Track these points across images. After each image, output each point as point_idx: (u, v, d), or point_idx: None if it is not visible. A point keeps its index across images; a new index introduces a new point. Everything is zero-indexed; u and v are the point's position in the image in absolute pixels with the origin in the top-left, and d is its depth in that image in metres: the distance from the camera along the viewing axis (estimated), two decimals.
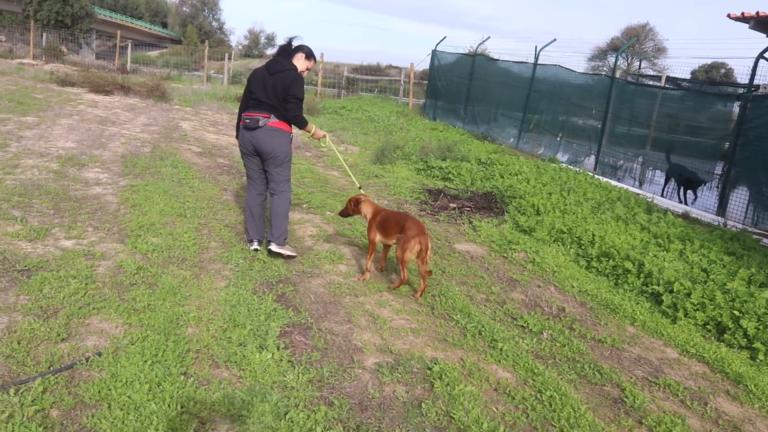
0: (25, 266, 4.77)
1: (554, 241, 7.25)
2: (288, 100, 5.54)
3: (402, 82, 23.79)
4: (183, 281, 4.87)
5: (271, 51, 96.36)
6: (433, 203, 8.55)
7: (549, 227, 7.45)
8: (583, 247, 6.98)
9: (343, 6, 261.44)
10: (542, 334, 4.82)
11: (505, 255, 6.74)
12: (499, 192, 9.11)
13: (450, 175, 10.41)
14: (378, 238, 5.54)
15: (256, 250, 5.86)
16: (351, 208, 5.80)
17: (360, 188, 6.13)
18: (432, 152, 11.72)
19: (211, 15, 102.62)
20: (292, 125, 5.78)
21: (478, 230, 7.51)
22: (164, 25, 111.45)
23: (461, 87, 19.11)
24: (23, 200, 6.49)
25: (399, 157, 11.72)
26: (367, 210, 5.70)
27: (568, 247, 7.06)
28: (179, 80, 25.44)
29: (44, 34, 35.03)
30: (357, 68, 39.87)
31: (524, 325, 4.94)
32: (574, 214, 7.96)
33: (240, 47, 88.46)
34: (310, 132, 5.99)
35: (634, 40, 17.69)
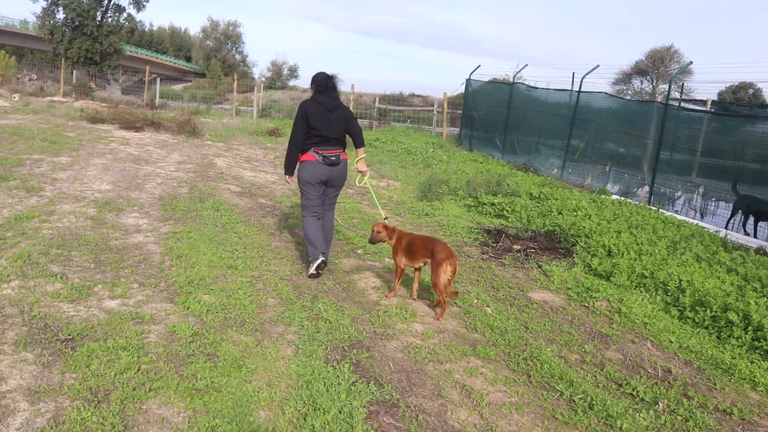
0: (69, 335, 4.24)
1: (636, 286, 6.60)
2: (352, 127, 6.30)
3: (435, 111, 23.29)
4: (246, 350, 4.30)
5: (294, 82, 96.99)
6: (494, 245, 7.94)
7: (627, 271, 6.80)
8: (670, 294, 6.32)
9: (362, 36, 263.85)
10: (657, 405, 4.17)
11: (585, 304, 6.11)
12: (562, 230, 8.49)
13: (504, 212, 9.80)
14: (404, 262, 5.71)
15: (323, 262, 6.14)
16: (376, 235, 5.91)
17: (385, 218, 6.26)
18: (480, 187, 11.14)
19: (234, 48, 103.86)
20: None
21: (550, 275, 6.88)
22: (188, 59, 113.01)
23: (498, 116, 18.58)
24: (62, 253, 5.99)
25: (445, 193, 11.14)
26: (391, 237, 5.85)
27: (654, 293, 6.40)
28: (208, 114, 25.19)
29: (74, 72, 35.14)
30: (380, 98, 39.60)
31: (633, 393, 4.30)
32: (650, 254, 7.31)
33: (263, 79, 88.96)
34: (360, 156, 6.50)
35: (689, 64, 16.98)
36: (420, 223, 9.06)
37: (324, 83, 6.19)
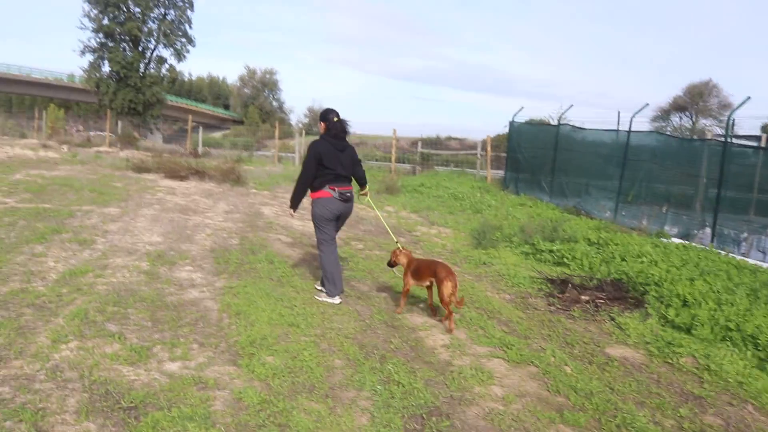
0: (131, 402, 3.99)
1: (721, 340, 6.15)
2: (358, 166, 7.05)
3: (479, 154, 23.03)
4: (319, 419, 3.99)
5: None
6: (560, 295, 7.57)
7: (710, 323, 6.36)
8: (761, 349, 5.86)
9: (396, 80, 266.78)
10: None
11: (669, 360, 5.69)
12: (629, 279, 8.08)
13: (564, 260, 9.42)
14: (412, 282, 6.54)
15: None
16: (395, 259, 6.79)
17: (397, 242, 7.20)
18: (535, 233, 10.77)
19: (271, 95, 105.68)
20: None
21: (624, 328, 6.47)
22: (226, 107, 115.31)
23: (545, 158, 18.24)
24: (118, 310, 5.80)
25: (500, 240, 10.79)
26: (403, 260, 6.73)
27: (742, 348, 5.95)
28: (250, 162, 25.30)
29: (119, 122, 35.83)
30: (415, 141, 39.57)
31: None
32: (730, 304, 6.85)
33: (300, 125, 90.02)
34: (364, 190, 7.36)
35: (747, 100, 16.47)
36: (479, 273, 8.73)
37: (340, 128, 6.71)
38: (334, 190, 6.59)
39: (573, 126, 17.52)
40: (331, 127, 6.67)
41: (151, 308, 5.98)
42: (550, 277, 8.41)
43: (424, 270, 6.41)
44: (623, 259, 9.04)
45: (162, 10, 50.05)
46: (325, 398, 4.33)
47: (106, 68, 48.83)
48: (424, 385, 4.72)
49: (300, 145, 28.73)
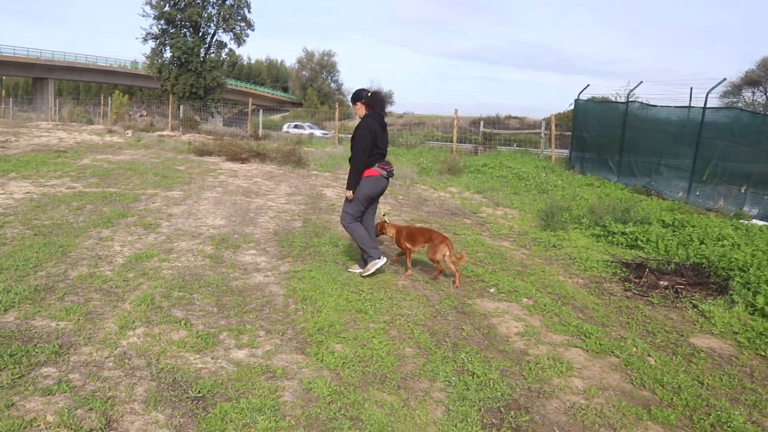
0: (199, 392, 3.88)
1: None
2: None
3: (543, 134, 22.45)
4: (392, 412, 3.80)
5: (389, 108, 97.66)
6: (636, 280, 7.21)
7: None
8: None
9: (454, 60, 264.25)
10: None
11: (761, 353, 5.30)
12: (710, 263, 7.65)
13: (638, 242, 9.01)
14: (409, 245, 7.04)
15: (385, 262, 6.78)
16: (379, 230, 7.25)
17: (384, 215, 7.67)
18: (604, 214, 10.36)
19: (329, 77, 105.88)
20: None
21: (709, 317, 6.08)
22: (285, 90, 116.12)
23: (612, 137, 17.60)
24: (184, 296, 5.73)
25: (568, 221, 10.41)
26: (391, 231, 7.29)
27: None
28: (310, 144, 25.29)
29: (180, 106, 36.33)
30: (475, 121, 38.95)
31: None
32: None
33: None
34: None
35: None
36: (549, 255, 8.41)
37: (381, 102, 6.79)
38: (383, 169, 6.67)
39: (642, 103, 16.83)
40: (372, 103, 6.70)
41: (216, 293, 5.89)
42: (624, 261, 8.03)
43: (418, 236, 6.99)
44: (702, 242, 8.59)
45: None
46: (397, 389, 4.14)
47: (167, 54, 49.61)
48: (500, 376, 4.48)
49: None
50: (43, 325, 4.84)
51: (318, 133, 40.89)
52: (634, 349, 5.16)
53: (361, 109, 6.75)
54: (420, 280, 6.84)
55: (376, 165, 6.62)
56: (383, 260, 6.70)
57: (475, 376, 4.42)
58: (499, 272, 7.35)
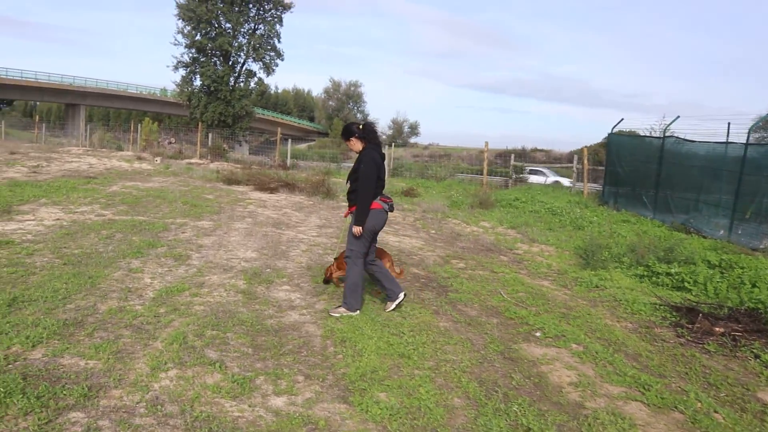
0: None
1: None
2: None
3: (574, 168, 22.10)
4: None
5: (415, 139, 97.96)
6: (689, 326, 6.82)
7: None
8: None
9: (480, 91, 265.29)
10: None
11: None
12: (766, 309, 7.24)
13: (684, 284, 8.62)
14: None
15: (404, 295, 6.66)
16: (328, 276, 7.47)
17: (335, 258, 7.57)
18: (646, 252, 9.97)
19: (355, 107, 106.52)
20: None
21: None
22: (311, 119, 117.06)
23: (647, 172, 17.20)
24: (217, 335, 5.47)
25: (608, 260, 10.04)
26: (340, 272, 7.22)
27: None
28: (338, 174, 25.14)
29: (209, 134, 36.51)
30: (501, 153, 38.71)
31: None
32: None
33: (384, 137, 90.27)
34: None
35: None
36: (592, 297, 8.05)
37: (374, 132, 6.53)
38: (385, 202, 6.47)
39: (679, 138, 16.45)
40: (365, 136, 6.45)
41: (250, 332, 5.63)
42: (674, 304, 7.65)
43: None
44: (754, 285, 8.17)
45: (252, 25, 51.03)
46: None
47: (197, 82, 50.15)
48: None
49: (389, 158, 28.41)
50: (72, 364, 4.61)
51: (566, 182, 28.24)
52: (699, 404, 4.79)
53: (356, 144, 6.46)
54: (462, 322, 6.52)
55: (379, 198, 6.41)
56: (357, 313, 6.44)
57: None
58: (542, 314, 7.01)
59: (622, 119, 19.30)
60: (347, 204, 6.66)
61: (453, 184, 22.81)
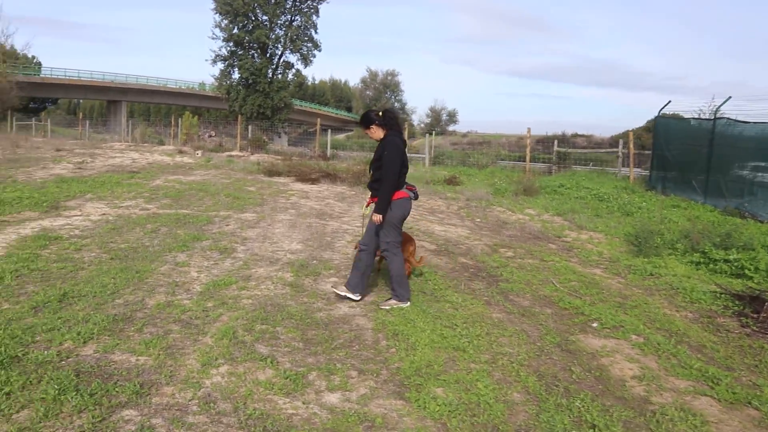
0: None
1: None
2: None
3: (620, 153, 21.60)
4: None
5: (453, 127, 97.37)
6: (754, 315, 6.52)
7: None
8: None
9: (518, 77, 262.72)
10: None
11: None
12: None
13: (745, 271, 8.27)
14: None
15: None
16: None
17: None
18: (701, 239, 9.62)
19: (393, 96, 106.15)
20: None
21: None
22: (348, 109, 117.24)
23: (697, 156, 16.68)
24: (267, 329, 5.38)
25: (661, 246, 9.70)
26: None
27: None
28: None
29: (248, 127, 36.67)
30: (541, 139, 38.06)
31: None
32: None
33: (422, 125, 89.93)
34: None
35: None
36: (648, 285, 7.77)
37: (396, 118, 6.28)
38: (410, 190, 6.31)
39: (730, 119, 15.91)
40: (385, 122, 6.18)
41: (300, 326, 5.52)
42: (735, 293, 7.33)
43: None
44: None
45: (288, 16, 51.07)
46: None
47: (235, 75, 50.47)
48: (624, 429, 3.95)
49: (431, 146, 28.11)
50: (123, 360, 4.56)
51: None
52: None
53: (377, 132, 6.20)
54: (515, 313, 6.33)
55: (405, 186, 6.23)
56: (407, 304, 6.23)
57: (596, 429, 3.90)
58: (598, 304, 6.77)
59: (670, 101, 18.84)
60: (369, 193, 6.43)
61: (495, 172, 22.48)
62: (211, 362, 4.59)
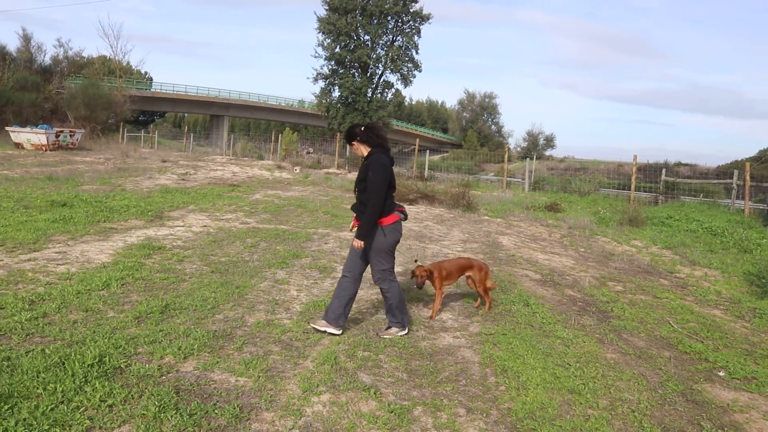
0: None
1: None
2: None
3: (735, 184, 20.40)
4: None
5: (550, 152, 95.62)
6: None
7: None
8: None
9: (619, 103, 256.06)
10: None
11: None
12: None
13: None
14: (445, 286, 6.68)
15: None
16: (420, 280, 6.43)
17: (416, 260, 7.15)
18: None
19: (490, 119, 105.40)
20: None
21: None
22: (444, 131, 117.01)
23: None
24: (369, 355, 5.16)
25: None
26: (432, 275, 6.50)
27: None
28: (477, 187, 24.62)
29: (346, 145, 36.98)
30: (641, 167, 36.57)
31: None
32: None
33: (518, 149, 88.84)
34: None
35: None
36: None
37: (382, 135, 5.73)
38: (401, 212, 5.85)
39: None
40: (368, 138, 5.64)
41: (404, 355, 5.27)
42: None
43: (452, 271, 6.74)
44: None
45: (390, 36, 51.42)
46: None
47: (335, 93, 51.13)
48: None
49: (531, 170, 27.51)
50: (222, 380, 4.43)
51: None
52: None
53: (359, 148, 5.69)
54: (631, 354, 5.86)
55: (395, 209, 5.73)
56: (406, 331, 5.86)
57: None
58: (722, 350, 6.21)
59: None
60: (353, 215, 5.89)
61: (597, 199, 21.66)
62: (313, 389, 4.39)
